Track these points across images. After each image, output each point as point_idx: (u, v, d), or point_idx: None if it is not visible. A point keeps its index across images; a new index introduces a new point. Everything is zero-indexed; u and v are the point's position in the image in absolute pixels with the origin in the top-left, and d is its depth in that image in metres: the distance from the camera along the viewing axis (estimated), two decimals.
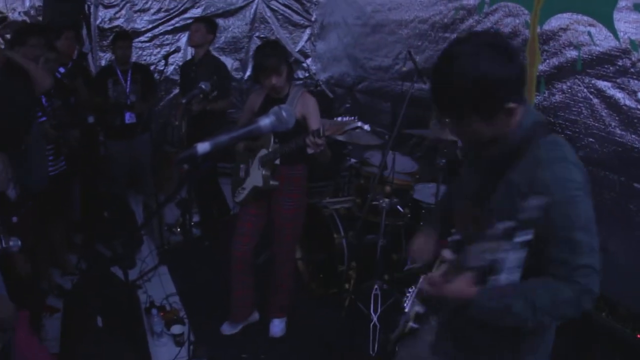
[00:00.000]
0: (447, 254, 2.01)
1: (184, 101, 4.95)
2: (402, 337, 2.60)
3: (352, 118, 3.47)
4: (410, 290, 2.78)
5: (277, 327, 4.69)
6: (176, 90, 7.97)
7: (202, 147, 1.98)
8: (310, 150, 3.72)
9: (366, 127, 3.52)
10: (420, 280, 2.56)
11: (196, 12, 8.14)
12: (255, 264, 4.60)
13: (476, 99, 1.93)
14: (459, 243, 2.32)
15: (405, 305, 2.67)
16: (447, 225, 2.63)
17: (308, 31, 9.29)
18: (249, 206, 4.39)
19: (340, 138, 4.84)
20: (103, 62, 7.64)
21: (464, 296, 1.96)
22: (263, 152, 4.11)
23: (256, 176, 4.17)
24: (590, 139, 4.52)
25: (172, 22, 8.10)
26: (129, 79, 5.99)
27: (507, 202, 2.05)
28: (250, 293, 4.61)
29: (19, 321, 3.19)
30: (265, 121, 2.05)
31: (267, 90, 4.19)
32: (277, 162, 4.08)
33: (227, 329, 4.65)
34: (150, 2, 7.95)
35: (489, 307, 1.96)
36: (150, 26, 8.01)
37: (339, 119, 3.50)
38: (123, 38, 5.95)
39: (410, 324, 2.45)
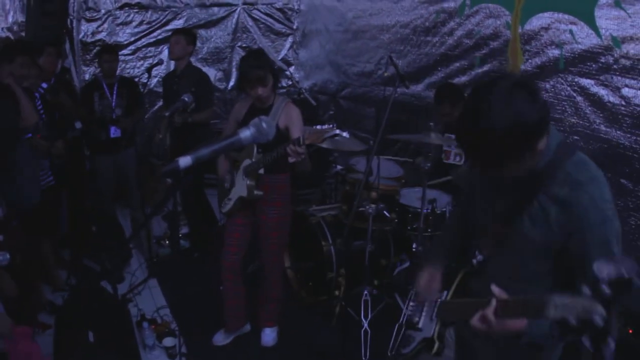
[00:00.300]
0: (497, 290, 1.99)
1: (167, 114, 4.95)
2: (418, 354, 2.63)
3: (331, 125, 3.46)
4: (412, 304, 2.78)
5: (269, 336, 4.68)
6: (160, 103, 7.99)
7: (184, 160, 1.98)
8: (291, 159, 3.73)
9: (345, 134, 3.52)
10: (435, 301, 2.56)
11: (178, 23, 8.14)
12: (244, 274, 4.60)
13: (515, 147, 1.95)
14: (482, 264, 2.37)
15: (418, 322, 2.67)
16: (455, 255, 2.64)
17: (290, 39, 9.30)
18: (235, 216, 4.40)
19: (324, 145, 4.87)
20: (87, 76, 7.63)
21: (515, 330, 1.98)
22: (247, 162, 4.11)
23: (241, 186, 4.17)
24: (575, 137, 4.56)
25: (155, 34, 8.10)
26: (115, 92, 5.97)
27: (539, 223, 2.13)
28: (242, 303, 4.61)
29: (19, 335, 3.18)
30: (245, 133, 2.05)
31: (253, 100, 4.21)
32: (261, 171, 4.07)
33: (219, 340, 4.65)
34: (132, 15, 7.95)
35: (539, 335, 2.01)
36: (132, 39, 8.01)
37: (318, 126, 3.49)
38: (109, 52, 5.93)
39: (437, 344, 2.48)
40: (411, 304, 2.78)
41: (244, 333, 4.76)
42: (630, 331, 3.21)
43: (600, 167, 3.77)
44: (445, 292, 2.51)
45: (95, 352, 3.64)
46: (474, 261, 2.39)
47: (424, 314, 2.62)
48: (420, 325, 2.62)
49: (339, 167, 6.08)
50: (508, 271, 2.29)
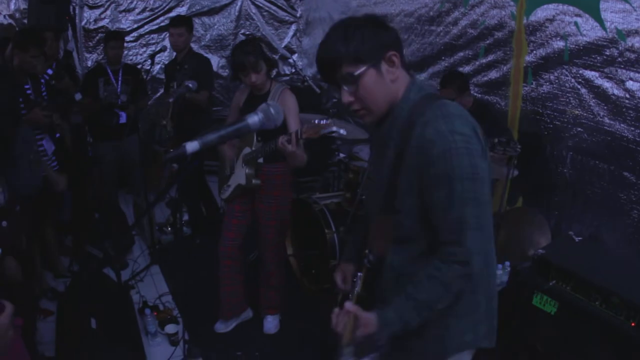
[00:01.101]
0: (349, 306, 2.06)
1: (170, 100, 4.94)
2: None
3: (329, 121, 3.42)
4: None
5: (271, 323, 4.71)
6: (162, 90, 8.00)
7: (191, 145, 1.98)
8: (286, 153, 3.67)
9: (342, 131, 3.45)
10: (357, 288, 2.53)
11: (181, 10, 8.14)
12: (246, 262, 4.61)
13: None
14: (374, 264, 2.33)
15: None
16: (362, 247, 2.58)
17: (294, 27, 9.27)
18: (233, 203, 4.42)
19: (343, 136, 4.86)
20: (89, 63, 7.63)
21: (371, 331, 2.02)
22: (246, 150, 4.13)
23: (240, 174, 4.19)
24: (579, 129, 4.55)
25: (158, 21, 8.09)
26: (120, 79, 5.96)
27: (408, 189, 2.06)
28: (240, 289, 4.62)
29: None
30: (253, 119, 2.05)
31: (249, 87, 4.21)
32: (261, 160, 4.09)
33: (220, 327, 4.67)
34: (135, 2, 7.94)
35: (394, 330, 2.03)
36: (135, 26, 8.01)
37: (316, 121, 3.46)
38: (115, 38, 5.90)
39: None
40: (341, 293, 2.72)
41: (246, 320, 4.78)
42: (633, 324, 3.21)
43: (604, 159, 3.79)
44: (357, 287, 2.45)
45: (98, 339, 3.66)
46: (365, 261, 2.35)
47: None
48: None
49: (342, 155, 6.07)
50: (398, 269, 2.24)
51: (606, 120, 4.37)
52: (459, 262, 1.98)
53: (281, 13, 9.08)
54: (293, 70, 8.07)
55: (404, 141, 2.03)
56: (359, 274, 2.46)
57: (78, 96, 4.98)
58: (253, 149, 4.06)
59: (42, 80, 4.84)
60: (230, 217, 4.47)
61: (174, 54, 6.01)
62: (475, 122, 2.04)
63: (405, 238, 2.16)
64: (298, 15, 9.19)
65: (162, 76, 7.55)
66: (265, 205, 4.34)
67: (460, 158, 1.92)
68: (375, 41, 1.99)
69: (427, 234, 2.08)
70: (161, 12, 8.06)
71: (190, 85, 5.09)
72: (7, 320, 1.66)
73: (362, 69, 1.99)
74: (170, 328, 4.56)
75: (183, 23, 5.91)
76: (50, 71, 5.19)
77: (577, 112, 4.54)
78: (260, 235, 4.51)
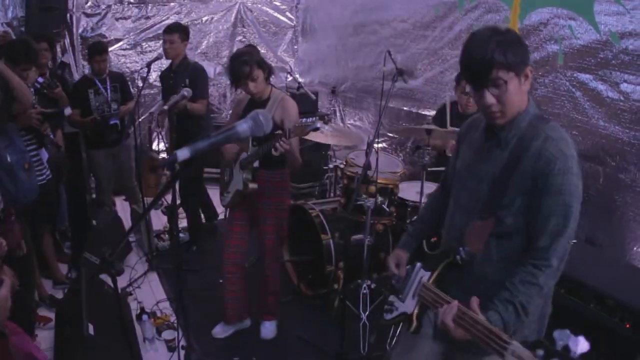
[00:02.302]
0: (474, 305, 2.16)
1: (165, 108, 4.97)
2: (397, 325, 2.71)
3: (313, 119, 3.55)
4: (396, 277, 2.83)
5: (268, 329, 4.71)
6: (160, 98, 8.04)
7: (182, 153, 2.00)
8: (275, 152, 3.77)
9: (326, 127, 3.56)
10: (419, 279, 2.60)
11: (178, 17, 8.18)
12: (244, 268, 4.63)
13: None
14: (466, 261, 2.44)
15: (401, 294, 2.73)
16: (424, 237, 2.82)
17: (290, 33, 9.32)
18: (234, 210, 4.46)
19: (324, 140, 4.91)
20: (87, 71, 7.64)
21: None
22: (243, 155, 4.17)
23: (237, 180, 4.24)
24: (574, 132, 4.57)
25: (154, 28, 8.11)
26: (108, 87, 5.98)
27: (519, 189, 2.26)
28: (242, 296, 4.64)
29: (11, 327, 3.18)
30: (242, 126, 2.07)
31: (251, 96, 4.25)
32: (257, 165, 4.12)
33: (219, 332, 4.68)
34: (131, 10, 7.96)
35: None
36: (132, 34, 8.02)
37: (303, 120, 3.57)
38: (99, 52, 5.88)
39: (416, 323, 2.56)
40: (395, 277, 2.83)
41: (243, 328, 4.78)
42: (628, 325, 3.22)
43: (599, 161, 3.83)
44: (429, 273, 2.57)
45: (95, 345, 3.66)
46: (458, 257, 2.45)
47: (408, 289, 2.66)
48: (403, 297, 2.68)
49: (338, 161, 6.10)
50: (493, 271, 2.40)
51: (601, 122, 4.40)
52: (548, 265, 2.22)
53: (278, 20, 9.13)
54: (289, 77, 8.10)
55: (523, 147, 2.26)
56: (418, 263, 2.66)
57: (67, 111, 4.98)
58: (249, 153, 4.09)
59: (32, 90, 4.83)
60: (232, 225, 4.51)
61: (169, 60, 6.02)
62: None
63: (506, 234, 2.35)
64: (295, 21, 9.25)
65: (159, 84, 7.63)
66: (264, 211, 4.36)
67: (573, 178, 2.19)
68: (523, 54, 2.20)
69: (524, 231, 2.30)
70: (158, 19, 8.09)
71: (185, 93, 5.13)
72: (6, 292, 1.68)
73: (511, 76, 2.18)
74: (167, 334, 4.57)
75: (176, 30, 5.92)
76: (41, 79, 5.18)
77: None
78: (260, 241, 4.53)
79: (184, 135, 5.73)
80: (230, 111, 5.87)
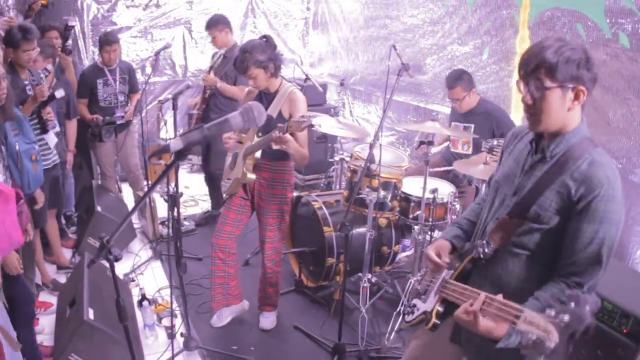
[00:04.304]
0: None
1: (170, 97, 4.99)
2: (419, 324, 2.69)
3: (310, 116, 3.56)
4: (420, 274, 2.84)
5: (267, 319, 4.73)
6: (169, 86, 8.17)
7: (175, 143, 2.02)
8: (274, 146, 3.80)
9: (320, 126, 3.76)
10: (441, 277, 2.60)
11: (188, 7, 8.23)
12: (244, 261, 4.66)
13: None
14: (488, 256, 2.43)
15: (423, 294, 2.73)
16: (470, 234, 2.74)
17: (301, 25, 9.31)
18: (234, 197, 4.47)
19: (331, 133, 4.92)
20: (95, 57, 7.68)
21: (493, 335, 2.06)
22: (247, 144, 4.19)
23: (238, 168, 4.27)
24: None
25: (165, 17, 8.13)
26: (117, 79, 6.02)
27: (550, 206, 2.22)
28: (231, 283, 4.64)
29: None
30: (235, 117, 2.08)
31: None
32: (258, 155, 4.15)
33: (215, 321, 4.70)
34: None
35: (512, 343, 2.07)
36: (141, 21, 8.04)
37: (301, 115, 3.59)
38: (109, 43, 5.90)
39: (434, 320, 2.52)
40: (419, 274, 2.83)
41: (243, 314, 4.81)
42: (625, 331, 3.21)
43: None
44: (450, 272, 2.56)
45: (94, 331, 3.69)
46: (481, 251, 2.44)
47: (430, 286, 2.66)
48: (425, 297, 2.66)
49: (345, 153, 6.11)
50: (505, 269, 2.39)
51: (609, 121, 4.38)
52: (582, 292, 2.15)
53: (289, 11, 9.13)
54: (299, 69, 8.11)
55: (563, 166, 2.22)
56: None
57: (60, 93, 4.99)
58: (252, 143, 4.12)
59: (43, 75, 4.88)
60: (228, 210, 4.51)
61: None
62: None
63: (524, 245, 2.32)
64: (306, 13, 9.24)
65: (169, 72, 7.71)
66: (265, 202, 4.38)
67: (617, 206, 2.14)
68: (576, 68, 2.12)
69: (541, 247, 2.28)
70: (169, 8, 8.12)
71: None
72: None
73: (553, 85, 2.13)
74: (167, 321, 4.59)
75: (211, 25, 6.28)
76: (50, 67, 5.21)
77: None
78: (261, 232, 4.55)
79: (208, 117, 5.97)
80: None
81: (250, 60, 4.04)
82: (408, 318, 2.76)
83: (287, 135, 3.74)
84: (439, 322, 2.53)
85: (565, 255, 2.21)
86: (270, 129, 3.84)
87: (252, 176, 4.17)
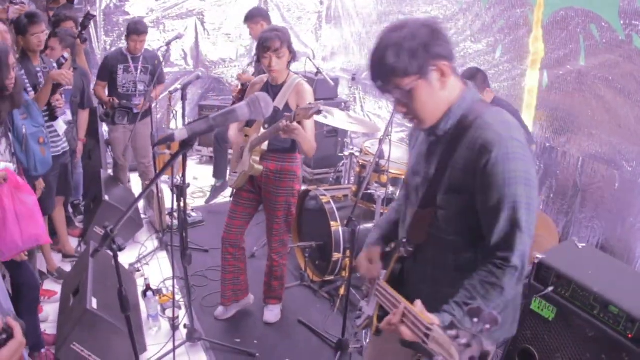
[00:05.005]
0: (418, 305, 1.98)
1: (179, 87, 4.99)
2: (366, 328, 2.68)
3: (317, 102, 3.54)
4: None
5: (272, 312, 4.72)
6: (179, 75, 8.16)
7: (180, 132, 2.00)
8: (283, 135, 3.76)
9: (326, 114, 3.90)
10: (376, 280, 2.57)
11: None
12: (250, 253, 4.65)
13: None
14: (411, 252, 2.35)
15: (367, 300, 2.69)
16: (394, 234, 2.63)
17: (314, 19, 9.27)
18: (241, 190, 4.45)
19: (342, 127, 4.90)
20: (108, 47, 7.69)
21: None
22: (253, 137, 4.16)
23: (245, 161, 4.23)
24: (593, 131, 4.54)
25: (177, 7, 8.13)
26: (139, 67, 6.03)
27: (453, 186, 2.11)
28: (241, 277, 4.65)
29: None
30: (242, 107, 2.05)
31: (266, 72, 4.22)
32: (265, 147, 4.12)
33: (220, 313, 4.70)
34: None
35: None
36: (154, 12, 8.04)
37: (309, 104, 3.56)
38: (139, 33, 5.93)
39: (377, 324, 2.46)
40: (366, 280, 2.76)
41: (247, 308, 4.81)
42: (630, 336, 3.17)
43: (615, 165, 3.78)
44: (384, 272, 2.48)
45: (98, 320, 3.69)
46: (403, 250, 2.36)
47: (371, 290, 2.60)
48: (369, 300, 2.61)
49: (355, 148, 6.08)
50: (435, 261, 2.30)
51: (621, 124, 4.34)
52: (513, 266, 2.03)
53: (303, 4, 9.11)
54: (312, 62, 8.09)
55: (457, 140, 2.10)
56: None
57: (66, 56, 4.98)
58: (258, 135, 4.10)
59: (55, 65, 4.88)
60: (236, 204, 4.49)
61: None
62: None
63: (442, 233, 2.21)
64: (320, 7, 9.21)
65: (180, 62, 7.70)
66: (272, 195, 4.35)
67: (517, 163, 1.99)
68: (425, 53, 1.99)
69: (463, 232, 2.17)
70: (182, 0, 8.13)
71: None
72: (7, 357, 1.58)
73: (412, 81, 2.01)
74: (171, 312, 4.58)
75: (248, 19, 6.29)
76: (67, 54, 5.21)
77: None
78: (267, 226, 4.54)
79: None
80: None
81: (284, 39, 4.03)
82: (357, 322, 2.73)
83: (295, 124, 3.69)
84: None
85: (485, 233, 2.09)
86: (277, 121, 3.80)
87: (259, 167, 4.14)
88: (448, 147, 2.12)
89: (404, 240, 2.36)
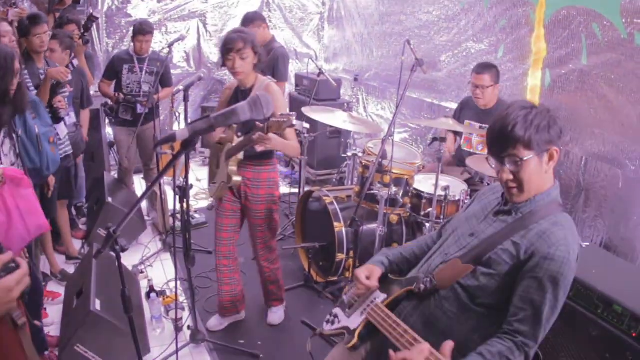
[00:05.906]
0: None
1: (182, 88, 4.99)
2: (336, 336, 2.75)
3: (291, 114, 3.45)
4: (352, 290, 2.80)
5: (275, 314, 4.71)
6: (182, 77, 8.13)
7: (181, 132, 1.99)
8: (258, 148, 3.69)
9: (303, 125, 3.56)
10: (371, 299, 2.60)
11: (202, 0, 8.21)
12: (253, 257, 4.63)
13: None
14: (427, 292, 2.41)
15: (348, 309, 2.74)
16: (403, 267, 2.76)
17: (316, 20, 9.28)
18: (223, 202, 4.36)
19: (344, 127, 4.88)
20: (110, 49, 7.70)
21: None
22: (229, 146, 4.04)
23: (222, 171, 4.13)
24: (596, 130, 4.52)
25: (179, 10, 8.14)
26: (145, 68, 6.04)
27: (504, 258, 2.23)
28: (238, 289, 4.61)
29: None
30: (243, 107, 2.04)
31: (233, 76, 4.10)
32: (241, 156, 4.01)
33: (213, 324, 4.64)
34: None
35: None
36: (156, 14, 8.05)
37: (283, 114, 3.46)
38: (144, 33, 5.95)
39: (356, 341, 2.54)
40: (351, 289, 2.80)
41: (249, 308, 4.80)
42: (634, 335, 3.17)
43: (618, 165, 3.77)
44: (384, 296, 2.55)
45: (101, 321, 3.68)
46: (422, 287, 2.41)
47: (359, 305, 2.65)
48: (350, 312, 2.66)
49: (358, 149, 6.08)
50: (444, 311, 2.36)
51: (624, 123, 4.33)
52: (529, 350, 2.15)
53: (305, 5, 9.11)
54: (313, 63, 8.10)
55: (527, 221, 2.26)
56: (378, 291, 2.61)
57: (75, 63, 5.00)
58: (233, 144, 3.98)
59: (71, 68, 4.92)
60: (221, 217, 4.41)
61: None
62: None
63: (467, 287, 2.31)
64: (322, 8, 9.22)
65: (183, 64, 7.69)
66: (253, 204, 4.27)
67: (570, 273, 2.15)
68: (547, 133, 2.19)
69: (485, 293, 2.27)
70: (183, 1, 8.12)
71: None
72: (13, 283, 1.70)
73: (530, 155, 2.19)
74: (175, 313, 4.58)
75: (247, 22, 6.23)
76: (76, 62, 5.22)
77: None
78: (251, 235, 4.48)
79: None
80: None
81: (248, 40, 3.90)
82: (327, 327, 2.78)
83: (270, 134, 3.55)
84: (360, 344, 2.55)
85: (512, 312, 2.20)
86: (249, 127, 3.69)
87: (237, 179, 4.03)
88: (516, 224, 2.28)
89: (427, 279, 2.41)
